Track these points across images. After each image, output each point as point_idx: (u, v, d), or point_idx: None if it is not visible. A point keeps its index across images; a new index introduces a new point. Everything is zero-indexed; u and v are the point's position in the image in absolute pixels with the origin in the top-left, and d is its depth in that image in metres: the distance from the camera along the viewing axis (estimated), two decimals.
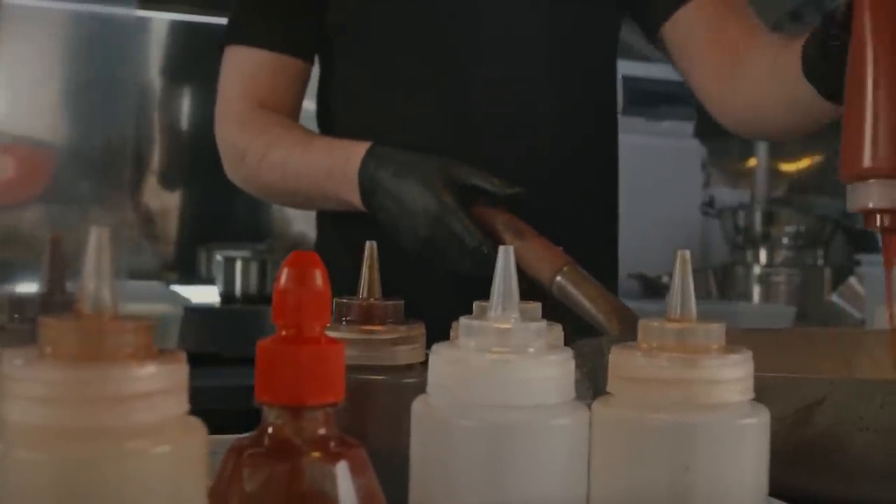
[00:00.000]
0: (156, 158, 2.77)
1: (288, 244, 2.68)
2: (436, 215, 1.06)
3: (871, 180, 0.82)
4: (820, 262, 2.85)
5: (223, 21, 1.34)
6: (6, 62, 2.51)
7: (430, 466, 0.47)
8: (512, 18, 1.24)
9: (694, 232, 3.02)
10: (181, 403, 0.38)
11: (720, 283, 2.89)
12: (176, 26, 2.74)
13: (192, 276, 2.64)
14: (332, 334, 0.44)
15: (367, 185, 1.13)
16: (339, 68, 1.29)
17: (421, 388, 0.49)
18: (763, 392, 0.50)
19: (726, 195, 3.18)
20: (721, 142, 3.08)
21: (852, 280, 2.52)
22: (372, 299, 0.62)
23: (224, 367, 1.65)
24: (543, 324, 0.48)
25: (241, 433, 0.44)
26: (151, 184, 2.77)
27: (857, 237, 2.84)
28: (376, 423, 0.58)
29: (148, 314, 0.39)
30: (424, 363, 0.50)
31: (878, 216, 0.82)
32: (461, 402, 0.47)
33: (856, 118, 0.83)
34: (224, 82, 1.30)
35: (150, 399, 0.36)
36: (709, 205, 3.10)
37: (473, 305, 0.59)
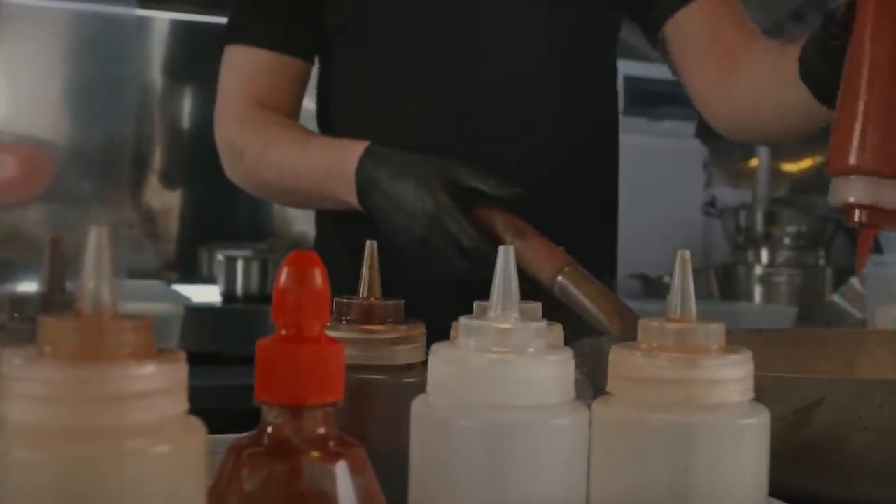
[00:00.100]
0: (157, 158, 2.77)
1: (289, 243, 2.68)
2: (432, 215, 1.06)
3: (854, 176, 0.82)
4: (821, 262, 2.85)
5: (224, 20, 1.34)
6: (7, 62, 2.51)
7: (429, 466, 0.47)
8: (512, 18, 1.24)
9: (695, 232, 3.02)
10: (180, 403, 0.38)
11: (721, 283, 2.88)
12: (177, 26, 2.74)
13: (194, 275, 2.64)
14: (332, 334, 0.44)
15: (364, 184, 1.13)
16: (339, 68, 1.29)
17: (421, 387, 0.49)
18: (763, 392, 0.50)
19: (728, 195, 3.17)
20: (722, 142, 3.07)
21: (854, 280, 2.51)
22: (372, 299, 0.62)
23: (225, 367, 1.66)
24: (543, 324, 0.48)
25: (241, 433, 0.44)
26: (153, 183, 2.77)
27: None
28: (376, 422, 0.58)
29: (148, 314, 0.39)
30: (424, 363, 0.50)
31: (857, 211, 0.83)
32: (461, 401, 0.47)
33: (847, 115, 0.83)
34: (223, 81, 1.30)
35: (149, 398, 0.37)
36: (710, 205, 3.10)
37: (473, 305, 0.59)
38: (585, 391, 0.61)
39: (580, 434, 0.48)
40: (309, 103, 1.33)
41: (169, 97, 2.77)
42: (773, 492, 0.52)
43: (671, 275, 0.50)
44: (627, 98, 2.73)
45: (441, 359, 0.48)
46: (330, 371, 0.41)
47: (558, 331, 0.61)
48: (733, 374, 0.48)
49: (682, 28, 1.27)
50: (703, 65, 1.26)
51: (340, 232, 1.28)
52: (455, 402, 0.47)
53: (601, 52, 1.33)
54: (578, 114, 1.28)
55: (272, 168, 1.23)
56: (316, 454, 0.41)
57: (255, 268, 2.42)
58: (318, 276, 0.42)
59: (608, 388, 0.50)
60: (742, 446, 0.48)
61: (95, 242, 0.38)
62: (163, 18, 2.72)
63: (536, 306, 0.59)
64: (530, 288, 0.95)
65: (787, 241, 2.88)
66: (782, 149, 3.20)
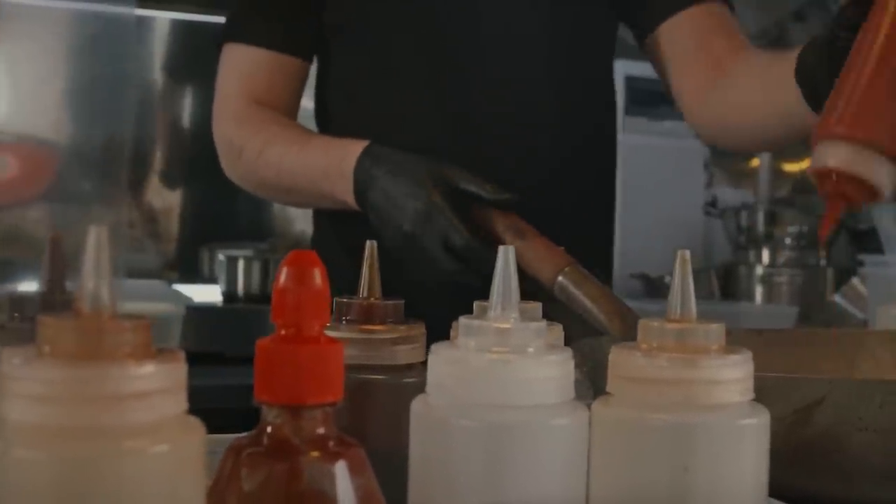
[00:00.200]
0: (158, 157, 2.77)
1: (290, 243, 2.68)
2: (423, 212, 1.05)
3: (839, 141, 0.82)
4: (822, 262, 2.85)
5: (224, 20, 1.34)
6: (8, 61, 2.51)
7: (429, 466, 0.47)
8: (512, 18, 1.24)
9: (696, 232, 3.02)
10: (179, 403, 0.38)
11: (723, 283, 2.89)
12: (178, 25, 2.74)
13: (195, 275, 2.64)
14: (332, 334, 0.44)
15: (362, 183, 1.13)
16: (337, 67, 1.29)
17: (421, 387, 0.49)
18: (762, 392, 0.50)
19: (729, 195, 3.17)
20: None
21: (855, 280, 2.51)
22: (372, 299, 0.62)
23: (226, 367, 1.66)
24: (543, 324, 0.48)
25: (240, 433, 0.44)
26: (154, 183, 2.77)
27: (860, 238, 2.83)
28: (376, 422, 0.58)
29: (149, 313, 0.39)
30: (424, 363, 0.50)
31: (834, 177, 0.82)
32: (461, 401, 0.46)
33: (846, 84, 0.83)
34: (222, 80, 1.30)
35: (148, 398, 0.36)
36: (711, 205, 3.10)
37: (473, 305, 0.59)
38: (585, 391, 0.61)
39: (580, 434, 0.48)
40: (308, 102, 1.33)
41: (170, 97, 2.78)
42: (773, 492, 0.52)
43: (672, 275, 0.50)
44: (628, 98, 2.73)
45: (441, 359, 0.48)
46: (329, 371, 0.41)
47: (558, 331, 0.61)
48: (733, 375, 0.48)
49: (671, 34, 1.27)
50: (691, 71, 1.26)
51: (338, 231, 1.28)
52: (455, 402, 0.47)
53: (600, 51, 1.33)
54: (578, 114, 1.28)
55: (270, 166, 1.23)
56: (315, 454, 0.41)
57: (256, 267, 2.42)
58: (318, 276, 0.42)
59: (608, 388, 0.50)
60: (742, 446, 0.48)
61: (95, 242, 0.38)
62: (163, 18, 2.72)
63: (536, 306, 0.60)
64: (534, 288, 0.95)
65: (788, 241, 2.89)
66: (784, 149, 3.20)
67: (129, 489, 0.36)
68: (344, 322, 0.61)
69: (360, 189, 1.13)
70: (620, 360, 0.49)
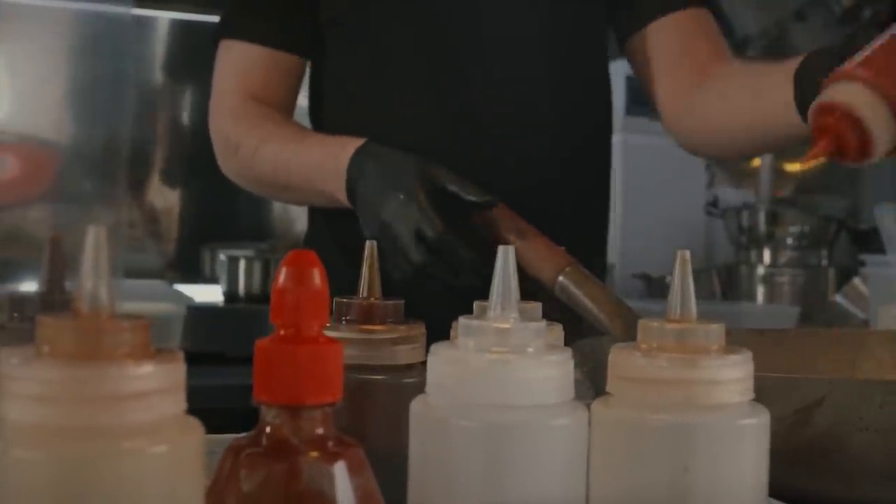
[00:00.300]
0: (158, 157, 2.77)
1: (291, 243, 2.68)
2: (401, 202, 1.05)
3: (856, 82, 0.83)
4: (824, 262, 2.85)
5: None
6: (8, 61, 2.51)
7: (429, 466, 0.47)
8: (511, 18, 1.24)
9: (698, 232, 3.01)
10: (178, 403, 0.38)
11: (724, 283, 2.88)
12: (177, 25, 2.74)
13: (196, 275, 2.64)
14: (331, 334, 0.44)
15: (353, 180, 1.13)
16: (334, 65, 1.29)
17: (421, 387, 0.49)
18: (763, 392, 0.50)
19: (730, 195, 3.17)
20: None
21: (856, 280, 2.51)
22: (372, 299, 0.62)
23: (227, 367, 1.66)
24: (543, 324, 0.48)
25: (240, 433, 0.44)
26: (155, 183, 2.77)
27: (862, 238, 2.83)
28: (376, 423, 0.58)
29: (149, 313, 0.39)
30: (424, 363, 0.50)
31: (838, 114, 0.83)
32: (460, 402, 0.46)
33: (879, 41, 0.85)
34: (218, 76, 1.30)
35: (146, 398, 0.36)
36: (713, 205, 3.09)
37: (473, 305, 0.58)
38: (585, 391, 0.61)
39: (580, 434, 0.48)
40: (301, 100, 1.33)
41: (170, 96, 2.78)
42: (773, 492, 0.52)
43: (672, 275, 0.50)
44: (629, 98, 2.73)
45: (440, 359, 0.48)
46: (328, 371, 0.41)
47: (558, 331, 0.61)
48: (733, 375, 0.48)
49: (658, 36, 1.27)
50: (675, 75, 1.26)
51: (332, 229, 1.28)
52: (454, 402, 0.47)
53: (599, 51, 1.33)
54: (577, 114, 1.28)
55: (266, 163, 1.23)
56: (314, 454, 0.41)
57: (257, 267, 2.42)
58: (317, 276, 0.42)
59: (608, 389, 0.50)
60: (742, 447, 0.48)
61: (93, 242, 0.38)
62: (163, 18, 2.73)
63: (536, 306, 0.59)
64: (535, 289, 0.95)
65: (789, 241, 2.88)
66: (785, 149, 3.19)
67: (128, 489, 0.36)
68: (344, 322, 0.61)
69: (351, 185, 1.13)
70: (620, 360, 0.49)
